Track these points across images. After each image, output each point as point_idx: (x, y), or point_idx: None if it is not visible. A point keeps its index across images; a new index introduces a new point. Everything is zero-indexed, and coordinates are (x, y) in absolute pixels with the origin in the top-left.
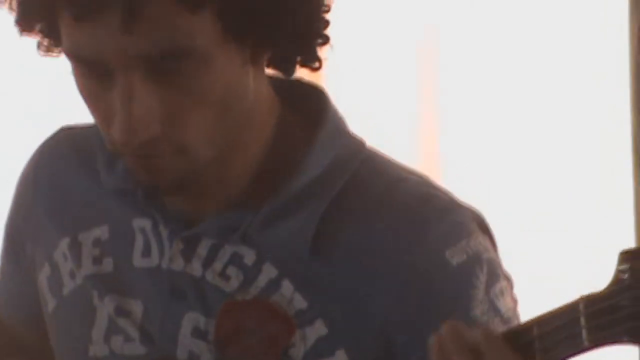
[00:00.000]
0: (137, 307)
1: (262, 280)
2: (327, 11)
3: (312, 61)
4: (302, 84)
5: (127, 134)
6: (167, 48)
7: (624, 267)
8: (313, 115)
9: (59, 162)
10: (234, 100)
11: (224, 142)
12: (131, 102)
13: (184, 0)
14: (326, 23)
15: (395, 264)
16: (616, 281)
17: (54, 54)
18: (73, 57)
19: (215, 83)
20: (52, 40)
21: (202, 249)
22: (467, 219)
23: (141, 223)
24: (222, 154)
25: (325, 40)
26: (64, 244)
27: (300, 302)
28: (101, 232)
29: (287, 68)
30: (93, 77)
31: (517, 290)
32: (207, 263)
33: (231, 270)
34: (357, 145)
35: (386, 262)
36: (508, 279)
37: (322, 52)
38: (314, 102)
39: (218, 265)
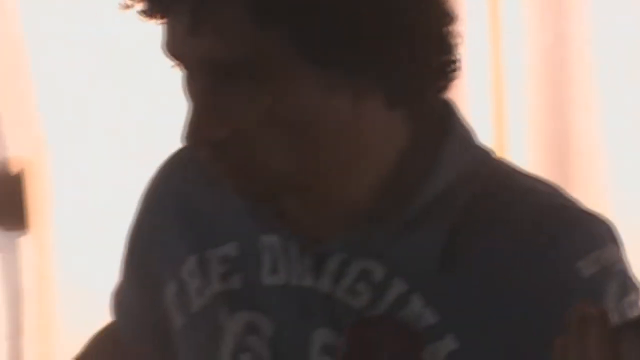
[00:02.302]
0: (266, 325)
1: (391, 295)
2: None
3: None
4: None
5: (191, 129)
6: (228, 57)
7: None
8: (439, 126)
9: (184, 178)
10: (309, 124)
11: (313, 165)
12: (200, 101)
13: (255, 15)
14: (452, 51)
15: (526, 277)
16: None
17: None
18: (164, 52)
19: (280, 103)
20: None
21: (331, 265)
22: (599, 230)
23: (269, 240)
24: (334, 173)
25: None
26: (191, 261)
27: (429, 317)
28: (229, 249)
29: (411, 102)
30: (184, 73)
31: None
32: (337, 279)
33: (360, 286)
34: (483, 156)
35: (516, 274)
36: (638, 291)
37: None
38: (441, 112)
39: (347, 281)
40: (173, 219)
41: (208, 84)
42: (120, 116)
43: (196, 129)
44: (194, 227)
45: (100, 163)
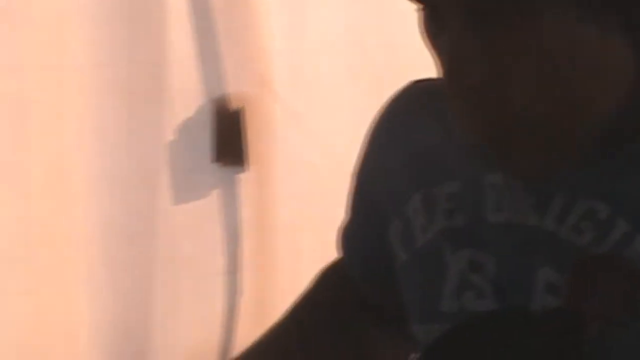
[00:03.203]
0: (489, 263)
1: (616, 234)
2: None
3: None
4: None
5: (450, 77)
6: None
7: None
8: None
9: (410, 116)
10: (562, 55)
11: (557, 98)
12: (455, 46)
13: None
14: None
15: None
16: None
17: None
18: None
19: (540, 35)
20: None
21: (556, 204)
22: None
23: (493, 179)
24: (565, 109)
25: None
26: (416, 198)
27: None
28: (453, 186)
29: None
30: (431, 21)
31: None
32: (561, 218)
33: (584, 225)
34: None
35: None
36: None
37: None
38: None
39: (571, 220)
40: (398, 156)
41: (461, 27)
42: (343, 54)
43: (455, 76)
44: (419, 164)
45: (322, 100)
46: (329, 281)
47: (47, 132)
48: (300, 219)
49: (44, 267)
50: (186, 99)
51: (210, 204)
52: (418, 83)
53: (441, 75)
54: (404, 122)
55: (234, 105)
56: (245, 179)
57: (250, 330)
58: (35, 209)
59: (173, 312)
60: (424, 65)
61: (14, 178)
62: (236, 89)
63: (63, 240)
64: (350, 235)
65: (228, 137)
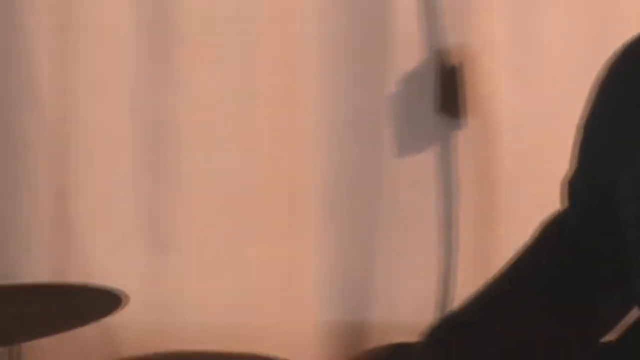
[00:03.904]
0: None
1: None
2: None
3: None
4: None
5: None
6: None
7: None
8: None
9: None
10: None
11: None
12: None
13: None
14: None
15: None
16: None
17: None
18: None
19: None
20: None
21: None
22: None
23: None
24: None
25: None
26: None
27: None
28: None
29: None
30: None
31: None
32: None
33: None
34: None
35: None
36: None
37: None
38: None
39: None
40: (629, 106)
41: None
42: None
43: None
44: None
45: (544, 53)
46: (551, 235)
47: (273, 84)
48: (521, 172)
49: (272, 216)
50: (409, 51)
51: (430, 157)
52: None
53: None
54: (632, 73)
55: (455, 58)
56: (465, 133)
57: (469, 282)
58: (262, 160)
59: (394, 261)
60: None
61: (243, 130)
62: (458, 42)
63: (289, 191)
64: (576, 187)
65: (449, 90)
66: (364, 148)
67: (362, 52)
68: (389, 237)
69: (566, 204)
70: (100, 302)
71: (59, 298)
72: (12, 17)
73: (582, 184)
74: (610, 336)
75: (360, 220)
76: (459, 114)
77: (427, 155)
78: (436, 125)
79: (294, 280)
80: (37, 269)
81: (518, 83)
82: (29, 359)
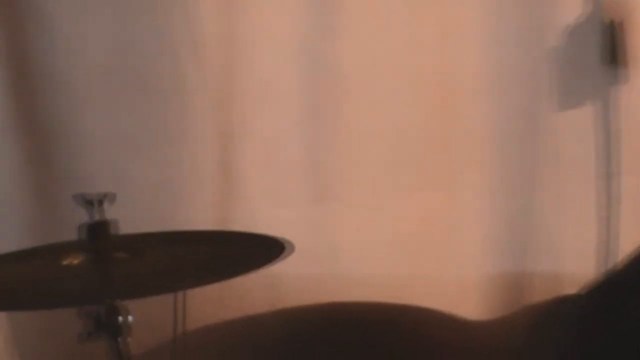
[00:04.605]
0: None
1: None
2: None
3: None
4: None
5: None
6: None
7: None
8: None
9: None
10: None
11: None
12: None
13: None
14: None
15: None
16: None
17: None
18: None
19: None
20: None
21: None
22: None
23: None
24: None
25: None
26: None
27: None
28: None
29: None
30: None
31: None
32: None
33: None
34: None
35: None
36: None
37: None
38: None
39: None
40: None
41: None
42: None
43: None
44: None
45: None
46: None
47: (436, 32)
48: None
49: (433, 165)
50: (572, 4)
51: (592, 108)
52: None
53: None
54: None
55: (617, 12)
56: (628, 86)
57: (632, 234)
58: (425, 108)
59: (555, 211)
60: None
61: (407, 78)
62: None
63: (451, 141)
64: None
65: (612, 43)
66: (528, 99)
67: (526, 5)
68: (548, 188)
69: None
70: (263, 250)
71: (222, 246)
72: None
73: None
74: None
75: (521, 171)
76: (623, 66)
77: (591, 106)
78: (597, 78)
79: (454, 232)
80: (202, 217)
81: None
82: (193, 305)
